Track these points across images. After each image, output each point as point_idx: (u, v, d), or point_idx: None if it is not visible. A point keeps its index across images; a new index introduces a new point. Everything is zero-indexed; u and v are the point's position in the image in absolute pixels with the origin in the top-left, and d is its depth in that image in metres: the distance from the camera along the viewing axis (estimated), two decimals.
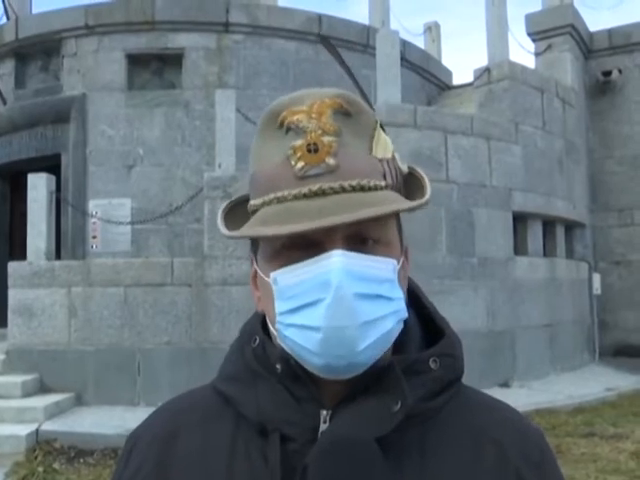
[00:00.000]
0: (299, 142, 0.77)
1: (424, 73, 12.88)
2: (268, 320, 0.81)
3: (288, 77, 10.44)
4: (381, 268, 0.77)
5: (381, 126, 0.84)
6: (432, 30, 14.96)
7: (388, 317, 0.76)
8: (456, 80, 14.48)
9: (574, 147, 10.68)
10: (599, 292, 11.02)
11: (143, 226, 9.54)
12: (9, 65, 10.98)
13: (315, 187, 0.75)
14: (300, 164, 0.76)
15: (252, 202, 0.81)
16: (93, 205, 9.96)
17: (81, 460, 5.91)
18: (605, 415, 7.11)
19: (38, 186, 8.03)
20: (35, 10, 12.15)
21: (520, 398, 7.43)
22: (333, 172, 0.76)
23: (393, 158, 0.83)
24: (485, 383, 7.33)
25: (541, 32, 11.15)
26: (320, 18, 10.99)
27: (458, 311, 7.82)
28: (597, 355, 10.80)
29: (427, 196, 0.81)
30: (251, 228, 0.79)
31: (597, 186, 12.07)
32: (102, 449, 6.00)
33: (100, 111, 10.23)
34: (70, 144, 10.23)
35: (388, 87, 8.16)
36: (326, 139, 0.76)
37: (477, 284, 8.30)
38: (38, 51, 10.79)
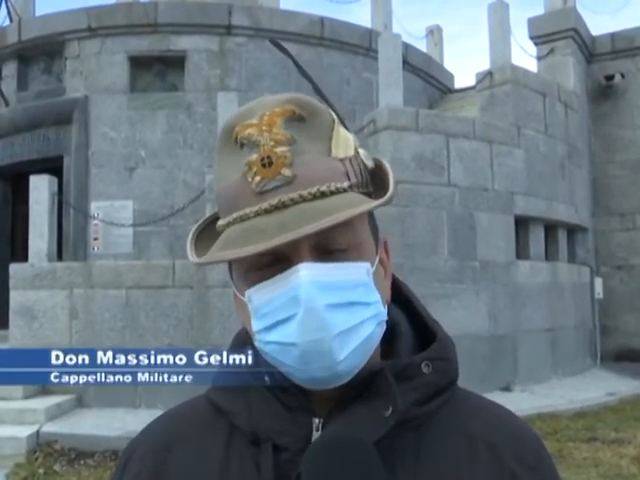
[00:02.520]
0: (253, 157, 0.76)
1: (426, 76, 12.90)
2: (251, 336, 0.80)
3: (290, 80, 10.45)
4: (352, 273, 0.75)
5: (342, 123, 0.82)
6: (434, 33, 14.98)
7: (366, 322, 0.75)
8: (458, 84, 14.52)
9: (576, 151, 10.68)
10: (601, 296, 11.00)
11: (145, 228, 9.55)
12: (12, 67, 11.00)
13: (274, 201, 0.74)
14: (257, 179, 0.75)
15: (219, 222, 0.81)
16: (95, 207, 9.97)
17: (82, 462, 5.90)
18: (607, 420, 7.10)
19: (40, 188, 8.03)
20: (38, 12, 12.20)
21: (522, 402, 7.42)
22: (291, 183, 0.75)
23: (356, 155, 0.81)
24: (486, 387, 7.32)
25: (543, 36, 11.15)
26: (322, 21, 11.00)
27: (460, 315, 7.82)
28: (599, 359, 10.78)
29: (389, 194, 0.78)
30: (214, 253, 0.78)
31: (599, 190, 12.06)
32: (103, 451, 6.00)
33: (102, 113, 10.25)
34: (72, 146, 10.25)
35: (390, 90, 8.16)
36: (279, 150, 0.75)
37: (479, 288, 8.29)
38: (41, 53, 10.82)
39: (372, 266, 0.79)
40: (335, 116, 0.82)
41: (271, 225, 0.73)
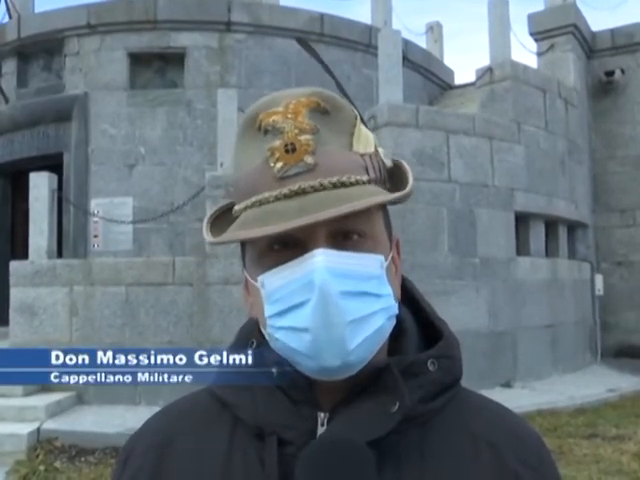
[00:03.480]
0: (277, 143, 0.76)
1: (426, 73, 12.88)
2: (260, 324, 0.81)
3: (290, 77, 10.44)
4: (367, 264, 0.76)
5: (362, 121, 0.83)
6: (434, 30, 14.95)
7: (377, 314, 0.75)
8: (458, 80, 14.51)
9: (576, 147, 10.67)
10: (601, 293, 11.01)
11: (145, 225, 9.54)
12: (11, 64, 10.99)
13: (295, 187, 0.74)
14: (279, 165, 0.76)
15: (236, 207, 0.81)
16: (95, 204, 9.97)
17: (82, 459, 5.91)
18: (607, 416, 7.10)
19: (40, 185, 8.03)
20: (37, 9, 12.16)
21: (522, 399, 7.43)
22: (312, 170, 0.75)
23: (376, 152, 0.82)
24: (487, 383, 7.32)
25: (543, 32, 11.13)
26: (322, 17, 10.99)
27: (460, 311, 7.82)
28: (599, 356, 10.79)
29: (408, 188, 0.80)
30: (231, 232, 0.79)
31: (599, 186, 12.05)
32: (103, 448, 6.00)
33: (102, 110, 10.24)
34: (72, 143, 10.24)
35: (390, 87, 8.15)
36: (303, 138, 0.76)
37: (479, 284, 8.29)
38: (40, 50, 10.80)
39: (386, 260, 0.79)
40: (357, 113, 0.83)
41: (290, 209, 0.73)
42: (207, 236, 0.84)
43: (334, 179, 0.75)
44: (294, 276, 0.74)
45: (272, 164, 0.76)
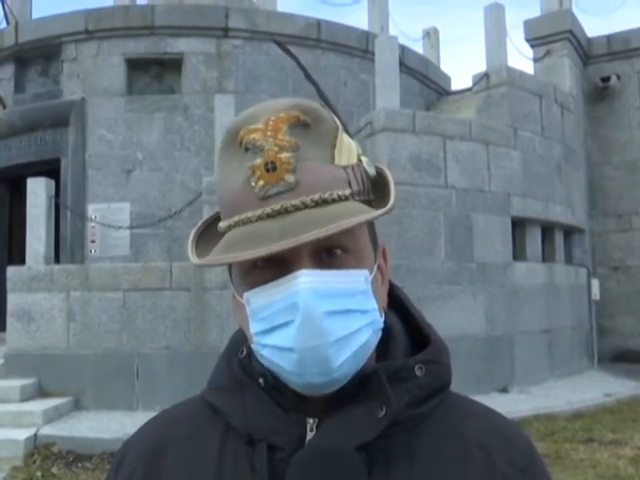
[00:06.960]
0: (257, 162, 0.76)
1: (423, 78, 12.91)
2: (247, 338, 0.81)
3: (287, 82, 10.46)
4: (351, 281, 0.76)
5: (346, 130, 0.83)
6: (431, 36, 14.99)
7: (362, 330, 0.76)
8: (455, 86, 14.55)
9: (573, 152, 10.70)
10: (598, 297, 11.01)
11: (142, 230, 9.54)
12: (9, 70, 10.99)
13: (277, 206, 0.75)
14: (260, 184, 0.76)
15: (220, 224, 0.81)
16: (92, 209, 9.96)
17: (79, 464, 5.89)
18: (604, 421, 7.10)
19: (37, 190, 8.03)
20: (35, 15, 12.18)
21: (519, 403, 7.43)
22: (294, 189, 0.75)
23: (359, 163, 0.82)
24: (484, 388, 7.33)
25: (539, 38, 11.18)
26: (319, 23, 11.01)
27: (457, 316, 7.82)
28: (596, 361, 10.79)
29: (390, 203, 0.79)
30: (215, 255, 0.79)
31: (596, 191, 12.09)
32: (100, 454, 5.98)
33: (99, 115, 10.24)
34: (69, 148, 10.24)
35: (387, 92, 8.17)
36: (284, 156, 0.76)
37: (476, 289, 8.30)
38: (38, 56, 10.81)
39: (370, 273, 0.80)
40: (339, 123, 0.82)
41: (272, 230, 0.74)
42: (192, 257, 0.84)
43: (316, 196, 0.75)
44: (278, 296, 0.74)
45: (253, 183, 0.76)
